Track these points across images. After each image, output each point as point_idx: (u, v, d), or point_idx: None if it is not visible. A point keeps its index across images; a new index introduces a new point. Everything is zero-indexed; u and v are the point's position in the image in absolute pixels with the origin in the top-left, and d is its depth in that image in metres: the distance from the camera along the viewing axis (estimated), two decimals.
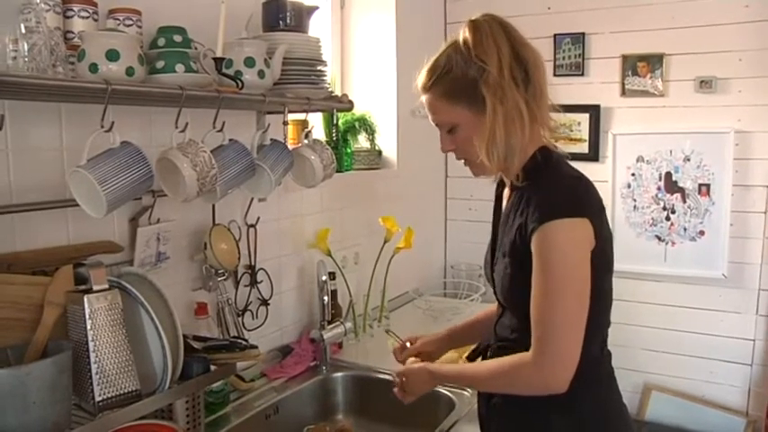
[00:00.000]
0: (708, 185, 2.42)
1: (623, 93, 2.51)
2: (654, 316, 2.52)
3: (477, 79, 1.10)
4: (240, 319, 1.72)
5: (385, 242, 2.19)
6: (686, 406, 2.48)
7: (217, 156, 1.33)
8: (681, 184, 2.46)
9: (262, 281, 1.79)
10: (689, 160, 2.44)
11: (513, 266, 1.13)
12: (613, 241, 1.15)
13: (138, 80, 1.19)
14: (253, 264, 1.75)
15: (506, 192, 1.25)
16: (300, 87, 1.56)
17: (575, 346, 1.05)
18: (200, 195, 1.28)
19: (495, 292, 1.25)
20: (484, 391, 1.28)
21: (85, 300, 1.07)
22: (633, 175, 2.53)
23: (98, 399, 1.07)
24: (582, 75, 2.56)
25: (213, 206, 1.60)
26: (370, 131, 2.38)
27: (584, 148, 2.56)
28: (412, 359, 1.39)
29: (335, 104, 1.74)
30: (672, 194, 2.48)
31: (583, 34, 2.54)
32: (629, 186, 2.53)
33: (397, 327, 2.26)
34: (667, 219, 2.49)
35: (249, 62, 1.41)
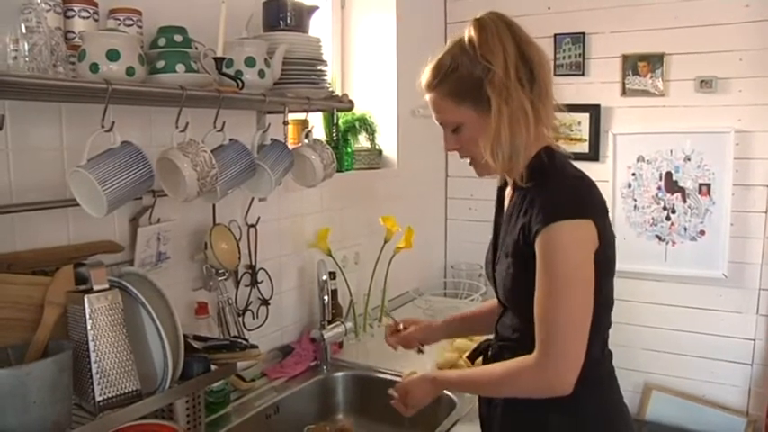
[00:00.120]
0: (708, 185, 2.42)
1: (623, 92, 2.51)
2: (654, 316, 2.52)
3: (482, 79, 1.09)
4: (240, 318, 1.72)
5: (385, 242, 2.20)
6: (686, 406, 2.48)
7: (217, 156, 1.33)
8: (681, 184, 2.46)
9: (262, 281, 1.79)
10: (689, 160, 2.44)
11: (515, 266, 1.13)
12: (615, 242, 1.15)
13: (138, 80, 1.19)
14: (253, 263, 1.75)
15: (509, 191, 1.25)
16: (301, 87, 1.56)
17: (579, 348, 1.05)
18: (201, 195, 1.28)
19: (495, 292, 1.24)
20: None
21: (86, 299, 1.07)
22: (633, 174, 2.53)
23: (98, 398, 1.07)
24: (582, 74, 2.56)
25: (213, 206, 1.60)
26: (371, 131, 2.38)
27: (584, 147, 2.56)
28: (409, 372, 1.39)
29: (336, 104, 1.74)
30: (672, 194, 2.48)
31: (583, 34, 2.54)
32: (629, 186, 2.53)
33: None
34: (668, 218, 2.49)
35: (249, 62, 1.41)
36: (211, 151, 1.31)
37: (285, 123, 1.60)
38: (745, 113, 2.34)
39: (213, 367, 1.31)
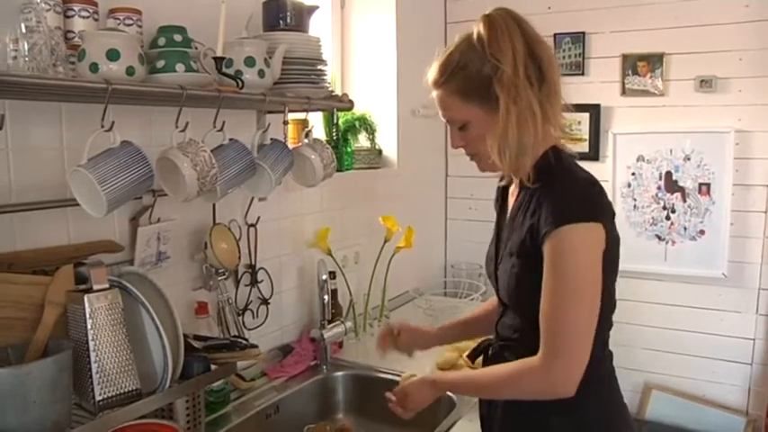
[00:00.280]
0: (708, 185, 2.42)
1: (623, 92, 2.51)
2: (654, 315, 2.52)
3: (491, 77, 1.08)
4: (240, 318, 1.72)
5: (385, 241, 2.20)
6: (686, 405, 2.48)
7: (217, 155, 1.33)
8: (681, 184, 2.46)
9: (262, 280, 1.79)
10: (689, 160, 2.44)
11: (520, 266, 1.12)
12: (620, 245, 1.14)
13: (138, 80, 1.19)
14: (253, 263, 1.75)
15: (512, 189, 1.24)
16: (301, 87, 1.56)
17: (585, 351, 1.05)
18: (201, 195, 1.28)
19: (497, 291, 1.24)
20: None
21: (86, 299, 1.07)
22: (633, 174, 2.53)
23: (98, 398, 1.07)
24: (582, 74, 2.56)
25: (213, 206, 1.60)
26: (371, 131, 2.38)
27: (584, 147, 2.56)
28: (406, 374, 1.39)
29: (336, 104, 1.74)
30: (672, 194, 2.48)
31: (583, 34, 2.54)
32: (629, 186, 2.53)
33: None
34: (667, 218, 2.49)
35: (249, 62, 1.41)
36: (211, 151, 1.31)
37: (285, 123, 1.60)
38: (745, 113, 2.34)
39: (213, 367, 1.31)
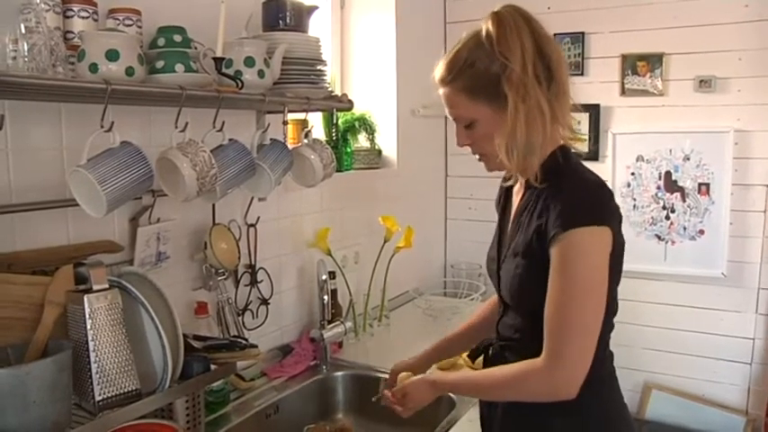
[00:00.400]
0: (707, 185, 2.42)
1: (623, 92, 2.51)
2: (653, 315, 2.52)
3: (499, 75, 1.07)
4: (240, 318, 1.72)
5: (385, 241, 2.20)
6: (686, 405, 2.49)
7: (216, 155, 1.33)
8: (680, 184, 2.46)
9: (262, 280, 1.79)
10: (688, 159, 2.44)
11: (525, 267, 1.12)
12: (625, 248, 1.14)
13: (137, 80, 1.20)
14: (253, 263, 1.76)
15: (517, 189, 1.23)
16: (300, 87, 1.56)
17: (589, 353, 1.05)
18: (200, 195, 1.28)
19: (498, 290, 1.23)
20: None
21: (85, 299, 1.07)
22: (633, 174, 2.53)
23: (98, 398, 1.07)
24: (582, 74, 2.56)
25: (213, 206, 1.61)
26: (370, 131, 2.38)
27: (583, 147, 2.56)
28: (404, 374, 1.38)
29: (335, 104, 1.74)
30: (671, 194, 2.48)
31: (582, 34, 2.54)
32: (628, 185, 2.54)
33: (397, 326, 2.27)
34: (667, 218, 2.49)
35: (249, 62, 1.41)
36: (211, 151, 1.31)
37: (285, 123, 1.60)
38: (745, 113, 2.34)
39: (213, 367, 1.31)
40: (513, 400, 1.15)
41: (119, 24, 1.29)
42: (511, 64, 1.05)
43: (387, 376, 1.44)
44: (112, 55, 1.15)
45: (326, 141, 2.09)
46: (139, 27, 1.32)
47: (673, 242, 2.49)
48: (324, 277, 1.89)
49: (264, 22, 1.59)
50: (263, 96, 1.44)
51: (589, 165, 1.17)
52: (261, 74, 1.43)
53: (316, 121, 2.18)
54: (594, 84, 2.55)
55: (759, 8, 2.26)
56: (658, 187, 2.50)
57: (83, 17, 1.22)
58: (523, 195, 1.18)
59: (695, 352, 2.49)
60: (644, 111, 2.49)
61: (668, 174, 2.48)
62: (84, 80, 1.14)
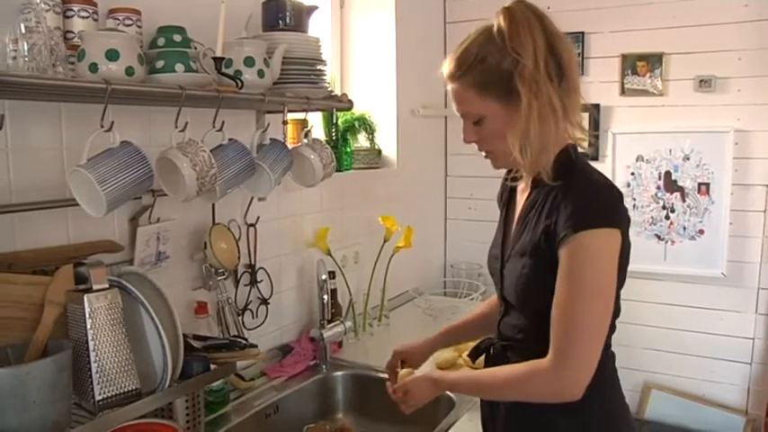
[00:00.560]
0: (707, 184, 2.42)
1: (623, 92, 2.52)
2: (653, 315, 2.53)
3: (511, 72, 1.05)
4: (240, 318, 1.72)
5: (385, 241, 2.20)
6: (686, 404, 2.49)
7: (216, 155, 1.33)
8: (680, 183, 2.46)
9: (261, 280, 1.79)
10: (688, 159, 2.44)
11: (531, 267, 1.11)
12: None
13: (137, 80, 1.20)
14: (253, 263, 1.76)
15: (522, 187, 1.22)
16: (300, 87, 1.56)
17: (595, 355, 1.04)
18: (200, 195, 1.28)
19: (501, 290, 1.22)
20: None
21: (85, 299, 1.07)
22: (633, 174, 2.53)
23: (98, 398, 1.07)
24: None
25: (213, 205, 1.61)
26: (370, 131, 2.38)
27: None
28: (405, 371, 1.38)
29: (335, 104, 1.74)
30: (671, 193, 2.48)
31: (582, 33, 2.54)
32: (628, 185, 2.54)
33: (397, 326, 2.27)
34: (667, 218, 2.49)
35: (249, 62, 1.41)
36: (211, 151, 1.31)
37: (284, 123, 1.60)
38: (745, 113, 2.34)
39: (213, 366, 1.32)
40: (516, 400, 1.15)
41: (119, 24, 1.29)
42: (523, 60, 1.04)
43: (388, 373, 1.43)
44: (112, 55, 1.15)
45: (326, 141, 2.09)
46: (139, 27, 1.32)
47: (672, 242, 2.49)
48: (323, 277, 1.89)
49: (264, 22, 1.59)
50: (263, 96, 1.44)
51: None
52: (261, 74, 1.43)
53: (315, 121, 2.18)
54: (594, 84, 2.55)
55: (759, 8, 2.26)
56: (658, 187, 2.50)
57: (83, 17, 1.22)
58: (530, 194, 1.17)
59: (695, 352, 2.49)
60: (644, 110, 2.49)
61: (668, 174, 2.48)
62: (85, 80, 1.14)
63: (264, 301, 1.81)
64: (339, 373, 1.86)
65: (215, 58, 1.36)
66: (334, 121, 2.11)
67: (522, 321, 1.18)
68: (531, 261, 1.11)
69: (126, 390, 1.10)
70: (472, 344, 1.38)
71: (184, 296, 1.57)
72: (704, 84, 2.37)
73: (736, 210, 2.38)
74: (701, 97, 2.40)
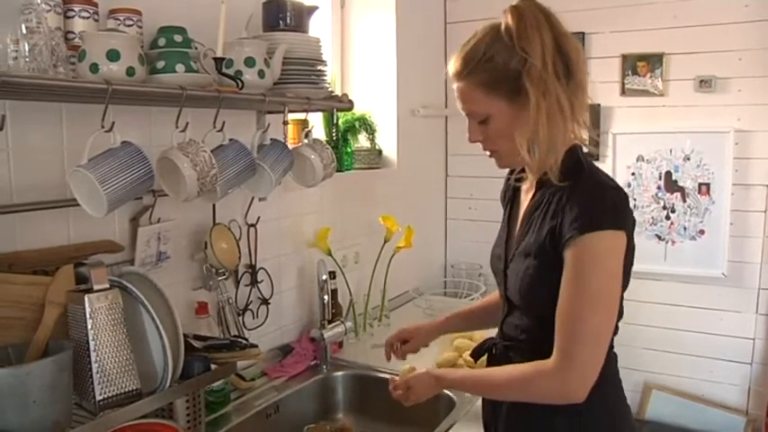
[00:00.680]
0: (708, 185, 2.42)
1: (623, 92, 2.51)
2: (654, 315, 2.52)
3: (519, 71, 1.05)
4: (240, 318, 1.72)
5: (385, 241, 2.20)
6: (686, 405, 2.49)
7: (217, 155, 1.33)
8: (681, 184, 2.46)
9: (262, 280, 1.79)
10: (689, 159, 2.44)
11: (536, 268, 1.10)
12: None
13: (138, 80, 1.20)
14: (253, 263, 1.76)
15: (526, 187, 1.22)
16: (300, 87, 1.56)
17: (600, 357, 1.04)
18: (201, 195, 1.29)
19: (504, 290, 1.22)
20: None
21: (86, 299, 1.07)
22: (633, 174, 2.53)
23: (99, 398, 1.07)
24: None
25: (213, 206, 1.61)
26: (371, 131, 2.38)
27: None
28: (407, 367, 1.38)
29: (335, 104, 1.75)
30: (672, 194, 2.48)
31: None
32: (629, 186, 2.53)
33: (397, 326, 2.25)
34: (667, 218, 2.49)
35: (249, 62, 1.41)
36: (211, 151, 1.31)
37: (285, 123, 1.60)
38: (745, 113, 2.34)
39: (213, 367, 1.32)
40: (519, 400, 1.14)
41: (119, 25, 1.29)
42: (531, 59, 1.03)
43: (390, 375, 1.44)
44: (113, 55, 1.15)
45: (327, 141, 2.09)
46: (140, 27, 1.32)
47: (673, 242, 2.49)
48: (324, 277, 1.89)
49: (265, 23, 1.59)
50: (264, 96, 1.44)
51: None
52: (261, 74, 1.43)
53: (316, 122, 2.18)
54: (595, 84, 2.55)
55: (759, 8, 2.26)
56: (659, 187, 2.50)
57: (83, 17, 1.22)
58: (535, 194, 1.17)
59: (695, 352, 2.49)
60: (644, 111, 2.49)
61: (668, 174, 2.48)
62: (85, 80, 1.14)
63: (265, 302, 1.81)
64: (339, 374, 1.86)
65: (215, 59, 1.36)
66: (335, 121, 2.11)
67: (525, 322, 1.17)
68: (536, 262, 1.11)
69: (126, 390, 1.10)
70: (473, 344, 1.38)
71: (185, 296, 1.57)
72: (704, 84, 2.37)
73: (737, 210, 2.38)
74: (701, 97, 2.40)
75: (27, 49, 1.06)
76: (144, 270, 1.33)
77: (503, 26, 1.07)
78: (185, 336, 1.26)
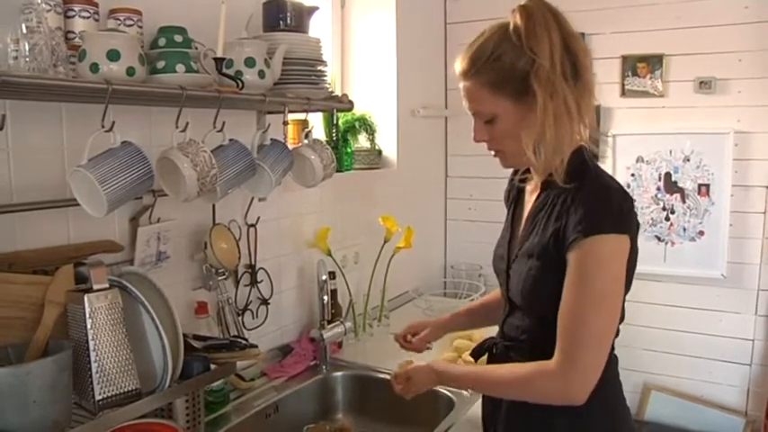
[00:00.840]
0: (707, 186, 2.42)
1: (623, 93, 2.52)
2: (653, 316, 2.53)
3: (527, 71, 1.04)
4: (240, 318, 1.72)
5: (385, 242, 2.20)
6: (685, 406, 2.49)
7: (217, 155, 1.33)
8: (680, 185, 2.47)
9: (262, 280, 1.79)
10: (688, 161, 2.44)
11: (539, 269, 1.10)
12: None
13: (138, 80, 1.20)
14: (253, 263, 1.76)
15: (531, 188, 1.22)
16: (300, 87, 1.56)
17: (602, 360, 1.04)
18: (201, 195, 1.29)
19: (506, 290, 1.22)
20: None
21: (86, 299, 1.07)
22: (633, 175, 2.53)
23: (98, 397, 1.07)
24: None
25: (213, 206, 1.61)
26: (370, 131, 2.38)
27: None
28: (406, 360, 1.39)
29: (335, 104, 1.75)
30: (671, 195, 2.48)
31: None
32: (628, 186, 2.54)
33: (396, 326, 2.26)
34: (667, 219, 2.49)
35: (249, 62, 1.41)
36: (211, 151, 1.31)
37: (285, 123, 1.60)
38: (745, 114, 2.34)
39: (213, 367, 1.32)
40: (518, 399, 1.14)
41: (120, 24, 1.29)
42: (539, 59, 1.03)
43: (387, 375, 1.44)
44: (113, 55, 1.15)
45: (327, 142, 2.09)
46: (140, 27, 1.32)
47: (672, 243, 2.49)
48: (324, 277, 1.89)
49: (265, 23, 1.59)
50: (264, 97, 1.44)
51: None
52: (261, 74, 1.43)
53: (316, 122, 2.18)
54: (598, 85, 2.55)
55: (759, 9, 2.26)
56: (658, 188, 2.50)
57: (84, 17, 1.22)
58: (539, 195, 1.16)
59: (695, 353, 2.50)
60: (644, 112, 2.49)
61: (668, 175, 2.48)
62: (85, 80, 1.14)
63: (265, 302, 1.81)
64: (339, 374, 1.86)
65: (216, 59, 1.36)
66: (335, 121, 2.12)
67: (527, 322, 1.18)
68: (539, 263, 1.11)
69: (126, 390, 1.10)
70: (472, 344, 1.38)
71: (185, 296, 1.57)
72: (704, 85, 2.38)
73: (736, 211, 2.38)
74: (701, 99, 2.40)
75: (27, 48, 1.06)
76: (144, 270, 1.33)
77: (511, 26, 1.07)
78: (185, 336, 1.26)
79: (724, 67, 2.34)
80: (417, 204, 2.65)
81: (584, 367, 1.03)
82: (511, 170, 1.30)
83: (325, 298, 1.88)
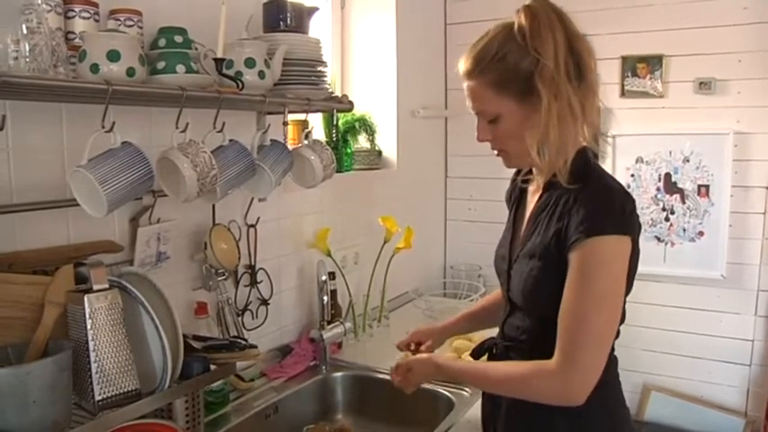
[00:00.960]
0: (707, 186, 2.42)
1: (623, 94, 2.52)
2: (653, 316, 2.53)
3: (531, 71, 1.04)
4: (240, 318, 1.72)
5: (385, 242, 2.20)
6: (685, 406, 2.49)
7: (217, 156, 1.33)
8: (680, 185, 2.47)
9: (261, 281, 1.80)
10: (688, 161, 2.44)
11: (540, 269, 1.10)
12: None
13: (138, 81, 1.20)
14: (253, 263, 1.76)
15: (533, 188, 1.22)
16: (301, 88, 1.56)
17: (602, 360, 1.05)
18: (201, 195, 1.29)
19: (507, 291, 1.22)
20: (489, 393, 1.27)
21: (86, 299, 1.07)
22: (632, 176, 2.53)
23: (98, 398, 1.07)
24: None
25: (213, 206, 1.61)
26: (370, 132, 2.38)
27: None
28: (405, 354, 1.39)
29: (335, 105, 1.75)
30: (671, 195, 2.48)
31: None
32: (628, 187, 2.52)
33: (396, 327, 2.27)
34: (666, 219, 2.50)
35: (249, 63, 1.42)
36: (211, 152, 1.31)
37: (285, 124, 1.60)
38: (744, 115, 2.34)
39: (212, 367, 1.32)
40: (517, 397, 1.14)
41: (120, 25, 1.29)
42: (544, 59, 1.03)
43: (387, 375, 1.44)
44: (113, 55, 1.15)
45: (327, 142, 2.10)
46: (140, 28, 1.32)
47: (672, 244, 2.49)
48: (323, 278, 1.89)
49: (265, 23, 1.59)
50: (264, 97, 1.44)
51: None
52: (261, 75, 1.43)
53: (316, 122, 2.19)
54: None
55: (758, 10, 2.27)
56: (658, 189, 2.50)
57: (84, 18, 1.22)
58: (541, 195, 1.17)
59: (694, 353, 2.49)
60: (644, 112, 2.49)
61: (668, 175, 2.48)
62: (86, 81, 1.14)
63: (264, 302, 1.81)
64: (339, 374, 1.86)
65: (216, 59, 1.36)
66: (335, 122, 2.12)
67: (527, 323, 1.18)
68: (540, 263, 1.11)
69: (126, 390, 1.11)
70: (472, 345, 1.38)
71: (184, 296, 1.57)
72: (704, 86, 2.38)
73: (736, 212, 2.38)
74: (700, 99, 2.40)
75: (27, 49, 1.06)
76: (143, 270, 1.33)
77: (515, 25, 1.07)
78: (185, 336, 1.26)
79: (724, 67, 2.34)
80: (417, 205, 2.65)
81: (584, 367, 1.03)
82: (513, 170, 1.30)
83: (325, 298, 1.89)
